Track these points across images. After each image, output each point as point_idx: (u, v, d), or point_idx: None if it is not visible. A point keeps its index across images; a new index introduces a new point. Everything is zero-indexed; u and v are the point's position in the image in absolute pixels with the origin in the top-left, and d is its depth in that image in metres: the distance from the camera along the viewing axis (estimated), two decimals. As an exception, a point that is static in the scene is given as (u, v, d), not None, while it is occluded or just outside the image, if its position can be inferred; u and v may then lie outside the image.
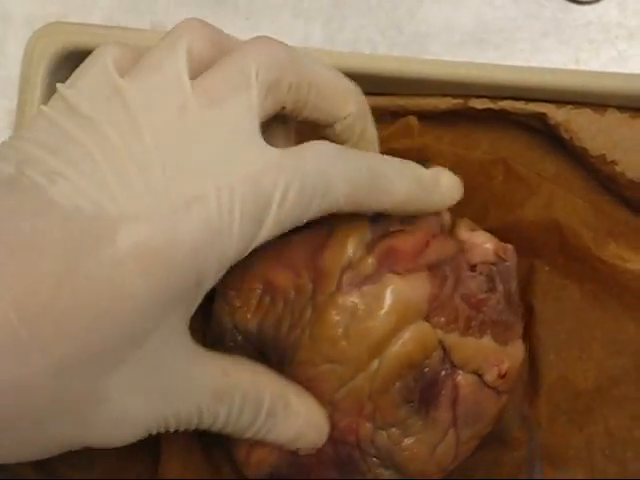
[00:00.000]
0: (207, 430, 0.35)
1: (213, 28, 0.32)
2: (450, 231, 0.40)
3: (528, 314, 0.43)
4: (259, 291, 0.39)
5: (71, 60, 0.42)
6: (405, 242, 0.37)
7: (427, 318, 0.37)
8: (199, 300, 0.32)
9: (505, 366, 0.38)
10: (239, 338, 0.40)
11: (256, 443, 0.39)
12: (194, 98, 0.30)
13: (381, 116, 0.43)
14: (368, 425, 0.38)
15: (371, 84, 0.40)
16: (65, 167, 0.29)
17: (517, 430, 0.43)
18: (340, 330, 0.36)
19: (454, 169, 0.42)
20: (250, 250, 0.32)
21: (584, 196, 0.44)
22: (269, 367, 0.37)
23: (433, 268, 0.37)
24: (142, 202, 0.28)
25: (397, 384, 0.37)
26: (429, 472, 0.40)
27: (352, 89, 0.35)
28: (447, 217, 0.40)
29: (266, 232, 0.31)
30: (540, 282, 0.43)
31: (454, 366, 0.38)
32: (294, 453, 0.38)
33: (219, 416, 0.34)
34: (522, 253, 0.43)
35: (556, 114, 0.43)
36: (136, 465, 0.43)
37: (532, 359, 0.43)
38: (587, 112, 0.43)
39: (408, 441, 0.38)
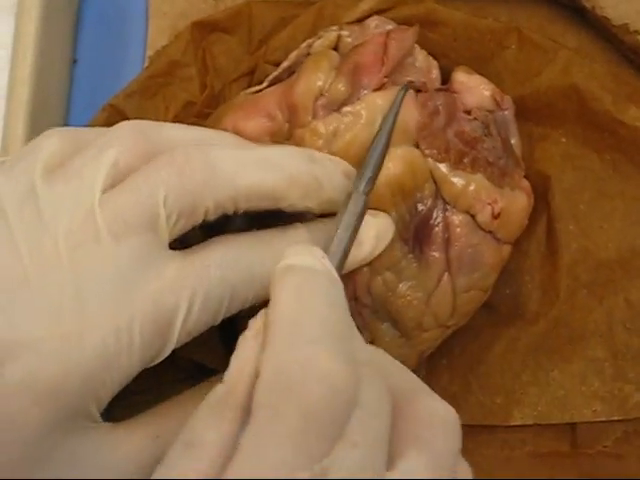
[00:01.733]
0: None
1: (147, 136, 0.31)
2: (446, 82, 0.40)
3: (545, 184, 0.42)
4: None
5: None
6: (365, 50, 0.36)
7: (417, 147, 0.37)
8: (106, 401, 0.31)
9: (499, 206, 0.37)
10: None
11: None
12: (102, 221, 0.29)
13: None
14: (365, 269, 0.37)
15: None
16: None
17: (536, 304, 0.42)
18: (324, 151, 0.35)
19: (462, 36, 0.42)
20: (160, 359, 0.31)
21: (606, 68, 0.42)
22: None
23: (418, 89, 0.37)
24: (36, 329, 0.28)
25: (393, 214, 0.36)
26: (426, 324, 0.38)
27: (292, 178, 0.32)
28: (436, 72, 0.40)
29: (172, 345, 0.31)
30: (558, 152, 0.42)
31: (446, 204, 0.37)
32: None
33: None
34: (539, 122, 0.42)
35: (577, -19, 0.42)
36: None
37: (551, 230, 0.42)
38: (609, -21, 0.42)
39: (403, 287, 0.37)
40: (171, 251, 0.31)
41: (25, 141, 0.42)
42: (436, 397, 0.27)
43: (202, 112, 0.43)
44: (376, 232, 0.35)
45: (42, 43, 0.43)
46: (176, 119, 0.44)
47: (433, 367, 0.43)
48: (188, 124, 0.42)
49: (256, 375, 0.25)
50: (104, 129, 0.33)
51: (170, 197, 0.30)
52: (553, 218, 0.42)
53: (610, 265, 0.41)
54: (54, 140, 0.32)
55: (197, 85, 0.44)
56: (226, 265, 0.31)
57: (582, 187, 0.42)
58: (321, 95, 0.36)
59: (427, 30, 0.41)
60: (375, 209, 0.35)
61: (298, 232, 0.33)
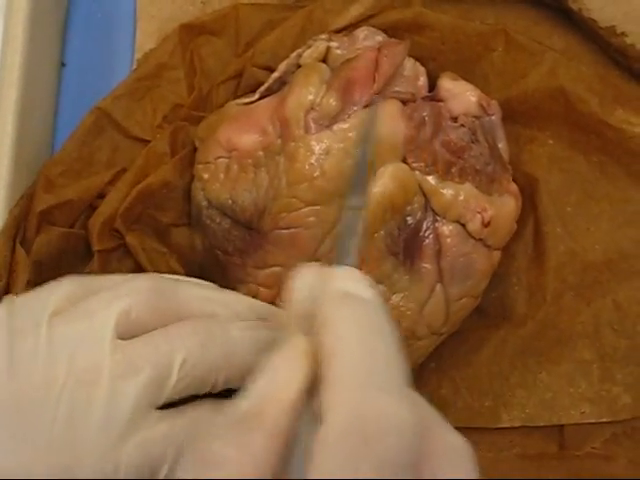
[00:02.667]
0: None
1: (162, 292, 0.33)
2: (431, 89, 0.40)
3: (532, 187, 0.42)
4: (225, 160, 0.39)
5: None
6: (356, 66, 0.37)
7: (405, 161, 0.37)
8: None
9: (488, 214, 0.37)
10: (213, 213, 0.40)
11: None
12: (110, 363, 0.30)
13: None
14: None
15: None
16: None
17: (523, 306, 0.42)
18: (316, 170, 0.36)
19: (450, 39, 0.42)
20: None
21: (592, 70, 0.42)
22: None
23: (405, 101, 0.37)
24: (23, 456, 0.29)
25: (381, 232, 0.36)
26: (420, 333, 0.38)
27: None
28: (422, 81, 0.40)
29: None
30: (545, 154, 0.42)
31: (436, 215, 0.37)
32: None
33: None
34: (526, 124, 0.42)
35: (564, -17, 0.42)
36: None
37: (538, 233, 0.42)
38: (596, -20, 0.42)
39: (396, 298, 0.38)
40: (160, 410, 0.31)
41: (13, 143, 0.42)
42: (450, 428, 0.27)
43: (190, 114, 0.43)
44: None
45: (30, 46, 0.43)
46: (164, 121, 0.44)
47: (422, 370, 0.43)
48: (177, 126, 0.43)
49: (295, 403, 0.24)
50: (120, 277, 0.34)
51: (188, 363, 0.31)
52: (540, 220, 0.42)
53: (597, 267, 0.41)
54: (67, 284, 0.33)
55: (185, 87, 0.44)
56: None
57: (569, 189, 0.42)
58: (312, 109, 0.36)
59: (415, 34, 0.41)
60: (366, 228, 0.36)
61: None
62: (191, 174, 0.42)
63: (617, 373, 0.41)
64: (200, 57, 0.44)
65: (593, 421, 0.42)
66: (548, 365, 0.42)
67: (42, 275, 0.41)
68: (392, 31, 0.40)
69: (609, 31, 0.42)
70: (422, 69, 0.39)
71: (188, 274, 0.42)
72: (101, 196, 0.43)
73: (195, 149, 0.42)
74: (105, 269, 0.42)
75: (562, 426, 0.42)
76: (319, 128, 0.36)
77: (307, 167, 0.36)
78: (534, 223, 0.42)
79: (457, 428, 0.42)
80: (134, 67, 0.45)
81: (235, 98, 0.43)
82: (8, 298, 0.33)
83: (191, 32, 0.44)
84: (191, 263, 0.42)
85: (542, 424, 0.42)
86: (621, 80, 0.43)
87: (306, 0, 0.43)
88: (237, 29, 0.44)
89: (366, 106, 0.36)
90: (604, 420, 0.42)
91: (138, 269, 0.42)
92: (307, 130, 0.36)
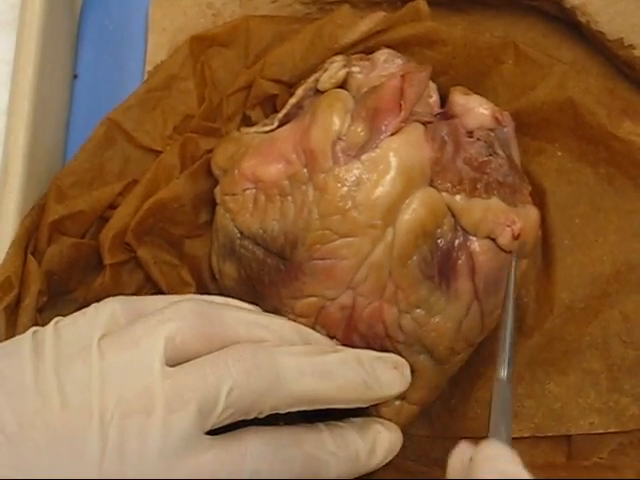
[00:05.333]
0: None
1: (206, 316, 0.33)
2: (443, 104, 0.40)
3: (541, 198, 0.42)
4: (252, 191, 0.39)
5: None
6: (382, 95, 0.37)
7: (432, 183, 0.37)
8: None
9: (518, 226, 0.37)
10: (247, 243, 0.40)
11: None
12: (160, 395, 0.31)
13: (391, 0, 0.43)
14: (393, 310, 0.37)
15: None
16: None
17: (531, 317, 0.42)
18: (348, 201, 0.36)
19: (462, 54, 0.42)
20: None
21: (601, 83, 0.43)
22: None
23: (425, 123, 0.37)
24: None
25: (414, 258, 0.37)
26: (458, 348, 0.39)
27: (342, 387, 0.35)
28: (435, 97, 0.40)
29: None
30: (553, 166, 0.42)
31: (466, 233, 0.37)
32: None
33: None
34: (535, 136, 0.43)
35: (572, -3, 0.42)
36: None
37: (546, 244, 0.42)
38: (604, -6, 0.42)
39: (434, 320, 0.38)
40: (211, 436, 0.32)
41: (26, 154, 0.42)
42: None
43: (200, 125, 0.44)
44: (389, 445, 0.37)
45: (43, 59, 0.43)
46: (174, 131, 0.44)
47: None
48: (186, 138, 0.43)
49: None
50: (163, 299, 0.35)
51: (234, 392, 0.32)
52: (548, 232, 0.42)
53: (605, 279, 0.42)
54: (112, 305, 0.34)
55: (195, 98, 0.44)
56: (262, 459, 0.33)
57: (577, 201, 0.42)
58: (339, 139, 0.37)
59: (426, 49, 0.42)
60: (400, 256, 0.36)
61: (322, 436, 0.35)
62: (203, 186, 0.42)
63: (625, 384, 0.42)
64: (211, 68, 0.44)
65: (601, 431, 0.42)
66: (556, 376, 0.42)
67: (53, 285, 0.42)
68: (404, 46, 0.41)
69: (617, 44, 0.42)
70: (433, 86, 0.40)
71: (199, 286, 0.42)
72: (112, 207, 0.43)
73: (208, 163, 0.42)
74: (116, 282, 0.42)
75: (570, 436, 0.42)
76: (347, 159, 0.36)
77: (339, 199, 0.36)
78: (542, 235, 0.42)
79: (467, 438, 0.42)
80: (145, 78, 0.45)
81: (245, 109, 0.44)
82: (55, 320, 0.34)
83: (202, 44, 0.44)
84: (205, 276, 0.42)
85: (551, 434, 0.42)
86: (629, 93, 0.43)
87: (317, 13, 0.43)
88: (247, 41, 0.44)
89: (393, 134, 0.36)
90: (612, 430, 0.42)
91: (149, 281, 0.42)
92: (335, 161, 0.36)
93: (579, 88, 0.41)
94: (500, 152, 0.38)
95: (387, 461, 0.37)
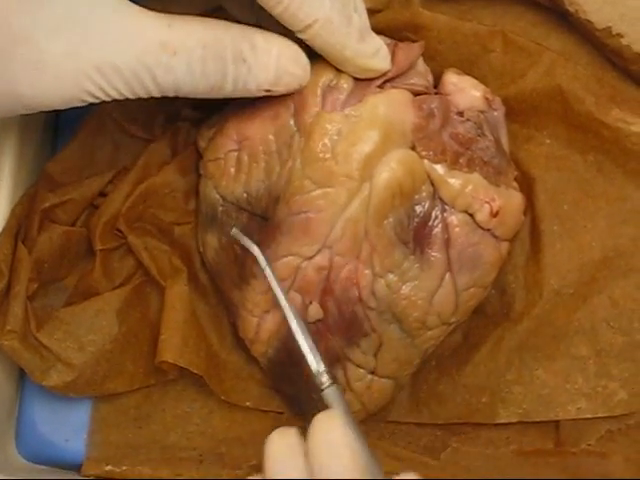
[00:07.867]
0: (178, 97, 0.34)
1: None
2: (436, 85, 0.40)
3: (530, 185, 0.42)
4: (235, 153, 0.39)
5: None
6: None
7: (414, 149, 0.37)
8: None
9: (497, 204, 0.38)
10: (231, 209, 0.40)
11: (263, 318, 0.39)
12: None
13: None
14: (367, 272, 0.38)
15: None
16: None
17: (520, 303, 0.42)
18: (328, 151, 0.36)
19: (447, 39, 0.42)
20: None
21: (589, 71, 0.43)
22: None
23: (418, 93, 0.38)
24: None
25: (390, 219, 0.37)
26: (430, 323, 0.39)
27: None
28: (430, 78, 0.40)
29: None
30: (542, 153, 0.42)
31: (444, 204, 0.38)
32: (303, 321, 0.38)
33: (177, 72, 0.33)
34: (523, 124, 0.43)
35: (560, -15, 0.42)
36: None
37: (535, 230, 0.42)
38: (592, -18, 0.42)
39: (406, 288, 0.38)
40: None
41: (16, 142, 0.42)
42: None
43: (190, 114, 0.44)
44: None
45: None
46: (165, 120, 0.44)
47: (422, 368, 0.43)
48: (176, 127, 0.43)
49: None
50: None
51: None
52: (537, 219, 0.42)
53: (594, 264, 0.42)
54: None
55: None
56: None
57: (566, 188, 0.42)
58: (328, 86, 0.37)
59: (411, 34, 0.42)
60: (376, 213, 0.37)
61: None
62: (193, 173, 0.42)
63: (613, 369, 0.42)
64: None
65: (589, 416, 0.42)
66: (544, 361, 0.42)
67: (44, 273, 0.42)
68: (389, 31, 0.41)
69: (605, 33, 0.42)
70: (427, 67, 0.40)
71: (190, 272, 0.42)
72: (103, 194, 0.43)
73: (198, 149, 0.42)
74: (106, 268, 0.42)
75: (558, 424, 0.43)
76: (333, 107, 0.37)
77: (320, 147, 0.37)
78: (531, 221, 0.42)
79: (455, 424, 0.43)
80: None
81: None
82: None
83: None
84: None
85: (539, 420, 0.42)
86: (617, 81, 0.43)
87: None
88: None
89: (379, 90, 0.37)
90: (600, 415, 0.42)
91: (140, 267, 0.42)
92: (323, 106, 0.37)
93: (567, 76, 0.41)
94: (488, 134, 0.39)
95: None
